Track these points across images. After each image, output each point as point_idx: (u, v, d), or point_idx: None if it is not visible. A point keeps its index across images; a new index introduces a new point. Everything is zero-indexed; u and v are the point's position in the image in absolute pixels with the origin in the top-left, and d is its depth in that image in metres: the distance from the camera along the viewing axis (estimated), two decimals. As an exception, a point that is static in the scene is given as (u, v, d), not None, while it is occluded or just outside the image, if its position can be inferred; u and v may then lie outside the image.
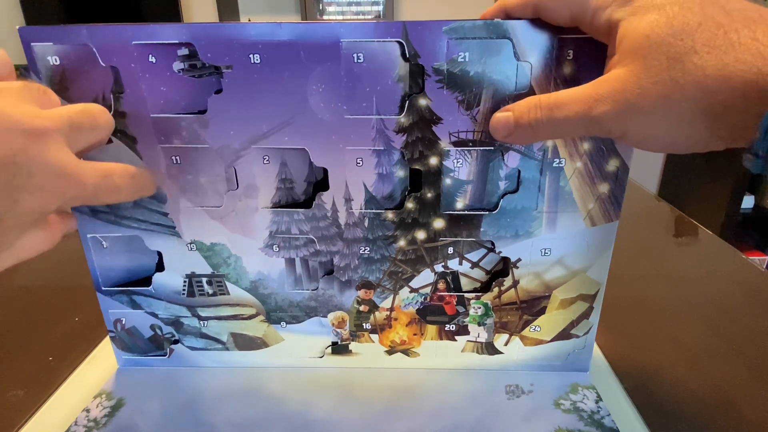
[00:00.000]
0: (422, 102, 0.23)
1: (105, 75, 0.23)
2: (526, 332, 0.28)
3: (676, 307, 0.36)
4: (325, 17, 1.68)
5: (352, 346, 0.29)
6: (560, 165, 0.24)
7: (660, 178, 1.68)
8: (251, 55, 0.22)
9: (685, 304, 0.36)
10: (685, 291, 0.38)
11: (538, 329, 0.28)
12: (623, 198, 0.25)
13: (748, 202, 1.39)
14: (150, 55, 0.23)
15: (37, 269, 0.41)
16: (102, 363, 0.31)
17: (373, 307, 0.28)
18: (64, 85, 0.23)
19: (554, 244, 0.26)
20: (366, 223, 0.26)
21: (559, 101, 0.19)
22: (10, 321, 0.35)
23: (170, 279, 0.28)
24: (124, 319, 0.29)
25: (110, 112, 0.24)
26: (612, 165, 0.24)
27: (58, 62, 0.23)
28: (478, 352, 0.29)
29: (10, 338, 0.33)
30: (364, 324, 0.29)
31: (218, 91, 0.23)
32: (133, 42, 0.22)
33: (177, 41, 0.22)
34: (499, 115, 0.22)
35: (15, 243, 0.19)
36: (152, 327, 0.29)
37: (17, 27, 0.23)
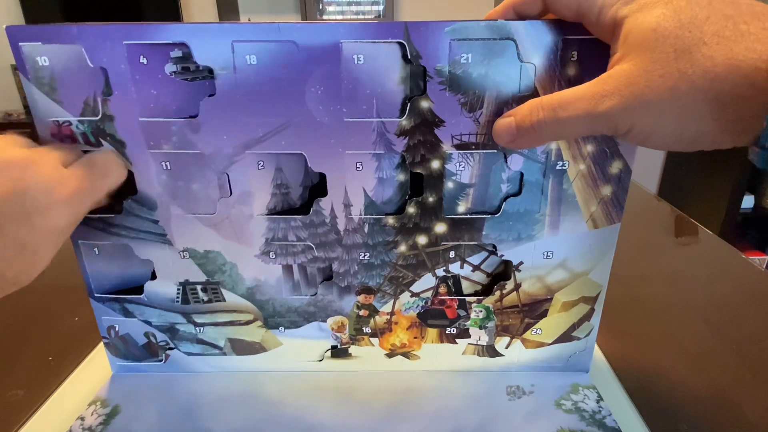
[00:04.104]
0: (424, 104, 0.23)
1: (94, 76, 0.22)
2: (527, 335, 0.28)
3: (676, 307, 0.36)
4: (325, 17, 1.67)
5: (352, 349, 0.29)
6: (563, 168, 0.24)
7: (660, 178, 1.68)
8: (247, 56, 0.22)
9: (685, 304, 0.36)
10: (685, 291, 0.38)
11: (540, 332, 0.28)
12: (625, 200, 0.24)
13: (748, 202, 1.39)
14: (141, 56, 0.22)
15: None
16: (96, 368, 0.30)
17: (373, 311, 0.28)
18: (53, 86, 0.23)
19: (556, 247, 0.26)
20: (366, 229, 0.25)
21: (563, 100, 0.19)
22: (10, 321, 0.35)
23: (163, 287, 0.27)
24: (117, 326, 0.28)
25: (98, 114, 0.23)
26: (615, 167, 0.24)
27: (47, 63, 0.22)
28: (478, 355, 0.29)
29: (10, 338, 0.33)
30: (364, 328, 0.28)
31: (211, 94, 0.23)
32: (125, 42, 0.22)
33: (170, 42, 0.22)
34: (502, 121, 0.21)
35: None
36: (146, 334, 0.29)
37: (5, 26, 0.22)
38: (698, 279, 0.40)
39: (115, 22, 0.22)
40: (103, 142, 0.24)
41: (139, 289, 0.27)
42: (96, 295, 0.27)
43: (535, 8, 0.21)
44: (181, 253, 0.26)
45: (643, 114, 0.18)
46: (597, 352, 0.31)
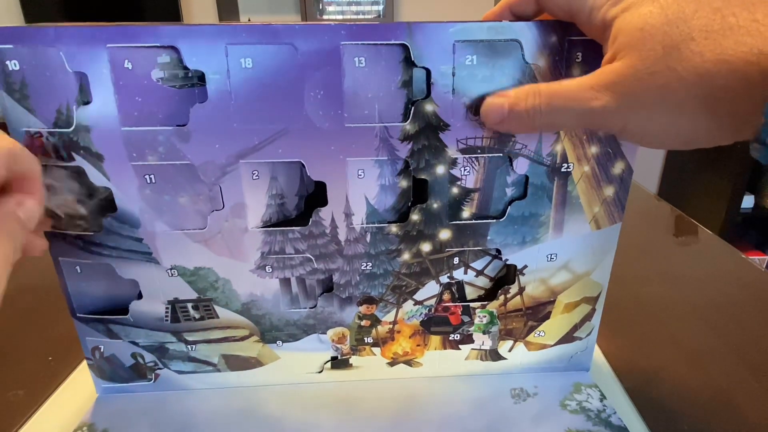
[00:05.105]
0: (428, 108, 0.22)
1: (68, 83, 0.20)
2: (530, 338, 0.28)
3: (676, 307, 0.36)
4: (325, 17, 1.65)
5: (353, 359, 0.28)
6: (568, 170, 0.24)
7: (660, 178, 1.70)
8: (242, 60, 0.20)
9: (685, 304, 0.36)
10: (685, 291, 0.38)
11: (543, 334, 0.28)
12: (626, 200, 0.24)
13: (748, 202, 1.40)
14: (126, 60, 0.20)
15: (37, 269, 0.39)
16: (79, 391, 0.28)
17: (375, 321, 0.27)
18: (24, 93, 0.21)
19: (560, 249, 0.25)
20: (368, 238, 0.25)
21: (560, 90, 0.19)
22: (10, 321, 0.35)
23: (150, 306, 0.25)
24: (102, 347, 0.27)
25: (71, 125, 0.21)
26: (618, 167, 0.24)
27: (17, 67, 0.20)
28: (481, 359, 0.29)
29: (10, 338, 0.33)
30: (365, 338, 0.28)
31: (202, 101, 0.21)
32: (108, 45, 0.20)
33: (158, 44, 0.20)
34: (493, 100, 0.21)
35: None
36: (134, 355, 0.27)
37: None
38: (698, 279, 0.40)
39: (99, 24, 0.20)
40: (75, 156, 0.22)
41: (124, 310, 0.26)
42: (78, 315, 0.26)
43: (530, 8, 0.21)
44: (169, 271, 0.25)
45: (636, 112, 0.18)
46: (597, 352, 0.31)
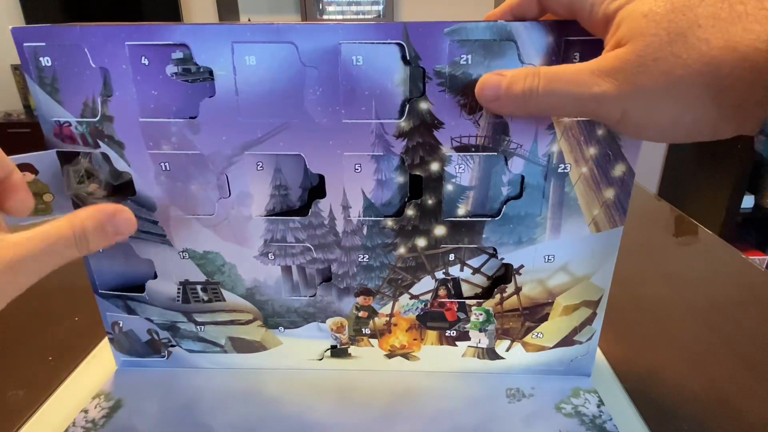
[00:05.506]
0: (423, 106, 0.23)
1: (94, 77, 0.22)
2: (528, 338, 0.28)
3: (676, 307, 0.36)
4: (325, 17, 1.67)
5: (351, 349, 0.29)
6: (565, 171, 0.24)
7: (660, 178, 1.67)
8: (246, 57, 0.22)
9: (685, 304, 0.36)
10: (685, 291, 0.38)
11: (541, 336, 0.28)
12: (628, 203, 0.24)
13: (748, 202, 1.38)
14: (143, 57, 0.22)
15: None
16: (101, 363, 0.30)
17: (373, 313, 0.28)
18: (55, 87, 0.23)
19: (558, 251, 0.25)
20: (365, 231, 0.25)
21: (559, 73, 0.19)
22: (10, 321, 0.35)
23: (163, 286, 0.27)
24: (121, 322, 0.29)
25: (97, 115, 0.23)
26: (618, 170, 0.23)
27: (50, 63, 0.22)
28: (478, 357, 0.29)
29: (10, 338, 0.33)
30: (363, 329, 0.28)
31: (211, 95, 0.23)
32: (127, 43, 0.22)
33: (171, 42, 0.22)
34: (490, 77, 0.20)
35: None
36: (149, 331, 0.29)
37: (10, 27, 0.22)
38: (698, 279, 0.40)
39: (117, 23, 0.22)
40: (100, 143, 0.24)
41: (140, 288, 0.28)
42: (100, 291, 0.28)
43: (532, 10, 0.21)
44: (181, 253, 0.26)
45: (637, 100, 0.17)
46: (597, 352, 0.31)
